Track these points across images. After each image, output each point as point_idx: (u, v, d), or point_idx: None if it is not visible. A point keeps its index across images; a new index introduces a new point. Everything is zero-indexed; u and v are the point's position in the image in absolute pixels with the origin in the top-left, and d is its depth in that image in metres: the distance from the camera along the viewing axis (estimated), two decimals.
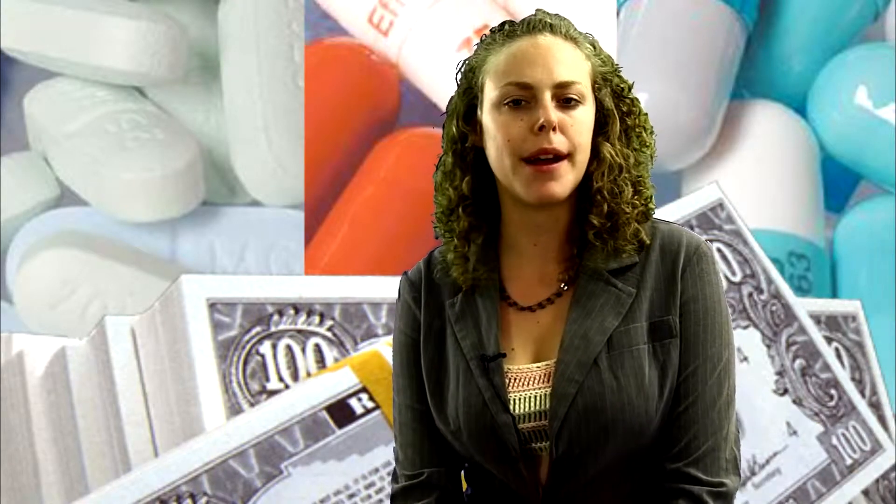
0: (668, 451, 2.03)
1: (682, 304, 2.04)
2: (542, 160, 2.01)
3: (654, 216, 2.10)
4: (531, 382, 2.03)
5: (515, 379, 2.03)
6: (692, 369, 2.03)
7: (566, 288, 2.06)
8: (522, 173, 2.02)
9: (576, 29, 2.08)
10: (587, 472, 2.00)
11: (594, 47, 2.08)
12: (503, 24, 2.08)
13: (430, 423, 2.09)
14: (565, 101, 2.02)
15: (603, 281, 2.04)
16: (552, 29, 2.05)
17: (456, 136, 2.08)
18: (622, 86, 2.08)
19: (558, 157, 2.01)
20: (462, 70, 2.10)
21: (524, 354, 2.05)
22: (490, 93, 2.05)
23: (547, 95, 2.01)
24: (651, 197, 2.08)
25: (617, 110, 2.07)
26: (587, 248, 2.06)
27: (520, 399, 2.02)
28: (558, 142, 2.00)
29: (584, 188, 2.05)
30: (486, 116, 2.05)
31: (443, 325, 2.08)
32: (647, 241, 2.05)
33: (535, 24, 2.05)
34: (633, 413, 1.98)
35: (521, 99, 2.02)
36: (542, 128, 2.00)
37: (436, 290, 2.11)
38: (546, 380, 2.02)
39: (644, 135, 2.08)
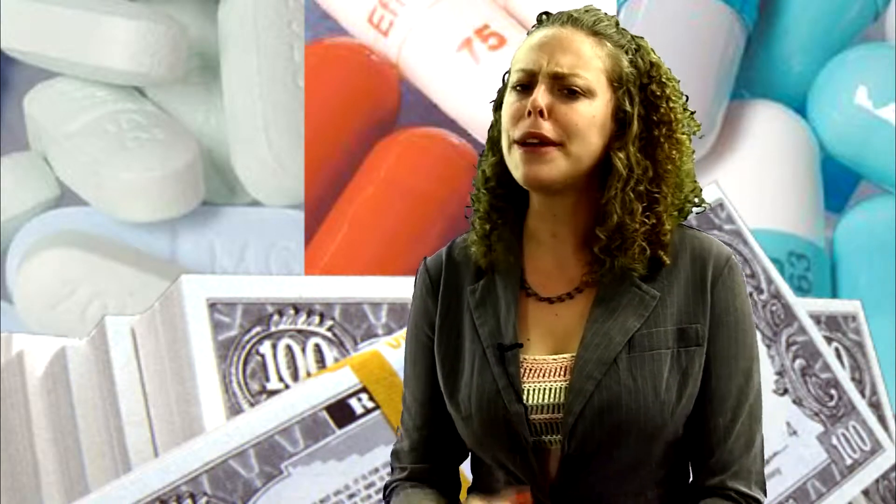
0: (703, 466, 2.03)
1: (714, 317, 2.02)
2: (529, 143, 2.00)
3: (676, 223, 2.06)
4: (546, 374, 2.02)
5: (531, 369, 2.02)
6: (726, 384, 2.02)
7: (587, 286, 2.04)
8: (513, 154, 2.02)
9: (613, 27, 2.05)
10: (598, 471, 2.00)
11: (638, 48, 2.05)
12: (540, 14, 2.09)
13: (434, 417, 2.10)
14: (568, 91, 2.01)
15: (627, 282, 2.02)
16: (575, 22, 2.04)
17: (492, 122, 2.09)
18: (658, 93, 2.04)
19: (545, 142, 2.00)
20: None
21: (540, 346, 2.04)
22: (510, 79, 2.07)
23: (544, 82, 2.01)
24: (660, 215, 2.02)
25: (645, 117, 2.03)
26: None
27: (534, 390, 2.01)
28: (546, 127, 1.99)
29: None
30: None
31: (461, 309, 2.08)
32: (667, 262, 2.03)
33: (560, 17, 2.05)
34: (647, 416, 1.97)
35: (525, 84, 2.03)
36: (531, 112, 2.00)
37: (456, 273, 2.10)
38: (562, 373, 2.01)
39: (668, 147, 2.04)
